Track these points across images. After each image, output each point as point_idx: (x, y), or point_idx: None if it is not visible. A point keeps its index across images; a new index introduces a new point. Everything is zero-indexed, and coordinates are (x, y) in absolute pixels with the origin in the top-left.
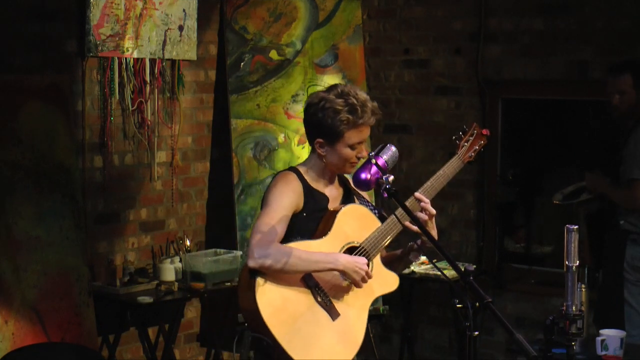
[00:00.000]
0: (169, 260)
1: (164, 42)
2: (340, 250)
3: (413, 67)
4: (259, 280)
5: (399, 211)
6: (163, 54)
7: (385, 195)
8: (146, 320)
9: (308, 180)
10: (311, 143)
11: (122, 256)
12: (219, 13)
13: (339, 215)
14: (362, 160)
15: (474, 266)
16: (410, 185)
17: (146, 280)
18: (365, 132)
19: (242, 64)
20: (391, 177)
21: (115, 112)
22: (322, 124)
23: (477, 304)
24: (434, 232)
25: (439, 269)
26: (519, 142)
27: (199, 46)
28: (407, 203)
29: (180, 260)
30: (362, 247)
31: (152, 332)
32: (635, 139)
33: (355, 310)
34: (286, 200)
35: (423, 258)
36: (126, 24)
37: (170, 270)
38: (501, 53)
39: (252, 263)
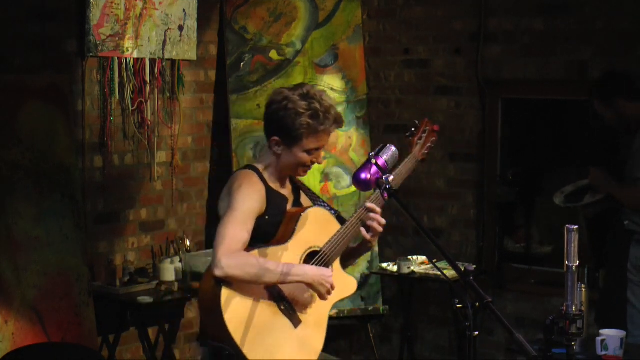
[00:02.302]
0: (169, 260)
1: (164, 42)
2: (302, 255)
3: (413, 67)
4: (224, 290)
5: (359, 212)
6: (163, 54)
7: (385, 195)
8: (146, 320)
9: (267, 181)
10: (267, 139)
11: (122, 256)
12: (219, 13)
13: (301, 219)
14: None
15: (474, 266)
16: (410, 185)
17: (146, 280)
18: (324, 140)
19: (242, 64)
20: (391, 177)
21: (115, 112)
22: (281, 124)
23: (477, 304)
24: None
25: (439, 269)
26: (519, 142)
27: (199, 46)
28: (357, 213)
29: (180, 260)
30: (323, 252)
31: (152, 332)
32: None
33: (315, 317)
34: (253, 203)
35: (423, 258)
36: (126, 24)
37: (170, 270)
38: (501, 53)
39: (218, 272)
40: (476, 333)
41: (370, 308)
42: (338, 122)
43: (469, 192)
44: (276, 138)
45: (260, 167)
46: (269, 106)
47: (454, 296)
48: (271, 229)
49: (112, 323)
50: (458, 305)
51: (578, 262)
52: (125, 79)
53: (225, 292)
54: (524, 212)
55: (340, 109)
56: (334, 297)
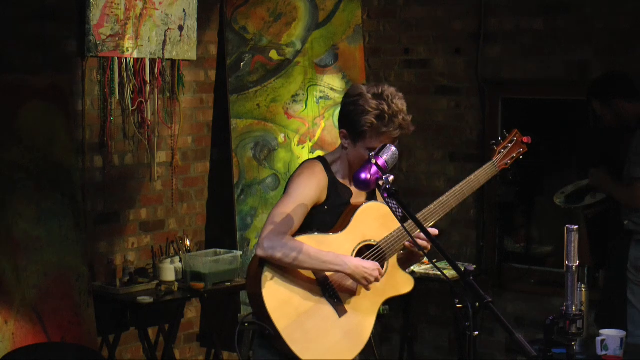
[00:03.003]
0: (169, 260)
1: (164, 42)
2: (355, 246)
3: (413, 67)
4: (266, 271)
5: (418, 215)
6: (163, 54)
7: (385, 195)
8: (146, 320)
9: (334, 172)
10: (339, 131)
11: (122, 256)
12: (219, 13)
13: (359, 212)
14: None
15: (474, 266)
16: (410, 185)
17: (146, 280)
18: (390, 139)
19: (242, 64)
20: (391, 177)
21: (115, 112)
22: (349, 118)
23: (477, 304)
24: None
25: (439, 269)
26: None
27: (199, 46)
28: (407, 224)
29: (180, 260)
30: (379, 247)
31: (152, 332)
32: (638, 139)
33: (363, 310)
34: (308, 191)
35: (423, 258)
36: (126, 24)
37: (170, 270)
38: (501, 53)
39: (260, 252)
40: (476, 333)
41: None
42: (404, 128)
43: None
44: (344, 131)
45: (329, 158)
46: (343, 99)
47: (454, 296)
48: (330, 219)
49: (112, 323)
50: (458, 305)
51: (578, 262)
52: (125, 79)
53: (267, 272)
54: (524, 212)
55: (339, 109)
56: (387, 293)
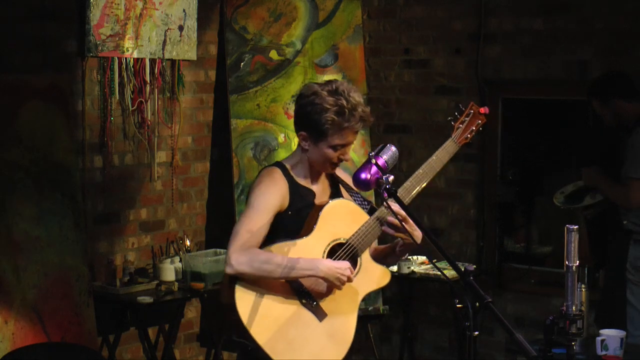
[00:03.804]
0: (169, 260)
1: (164, 42)
2: (326, 247)
3: (413, 67)
4: (239, 288)
5: (385, 205)
6: (163, 54)
7: (385, 195)
8: (146, 320)
9: (294, 176)
10: (297, 134)
11: (122, 256)
12: (219, 13)
13: (324, 212)
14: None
15: (474, 266)
16: None
17: (146, 280)
18: (350, 137)
19: (242, 64)
20: (391, 177)
21: (115, 112)
22: (308, 119)
23: (477, 304)
24: (417, 234)
25: (439, 269)
26: (519, 142)
27: (199, 46)
28: (377, 212)
29: (180, 260)
30: (349, 244)
31: (152, 332)
32: (634, 139)
33: (343, 310)
34: (270, 199)
35: (423, 258)
36: (126, 24)
37: (170, 270)
38: (501, 53)
39: (229, 270)
40: (476, 333)
41: (370, 308)
42: (365, 120)
43: (469, 192)
44: (303, 133)
45: (288, 163)
46: (298, 100)
47: (454, 296)
48: (296, 224)
49: (112, 323)
50: (458, 305)
51: (578, 262)
52: (125, 79)
53: (240, 288)
54: (524, 212)
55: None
56: (366, 288)
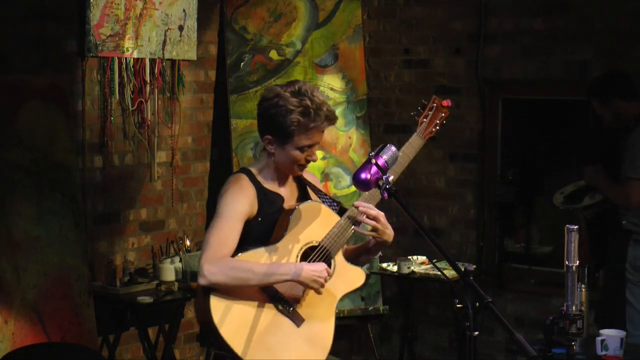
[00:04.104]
0: (169, 260)
1: (164, 42)
2: (298, 251)
3: (413, 67)
4: (214, 299)
5: (355, 206)
6: (163, 54)
7: (386, 195)
8: (146, 320)
9: (261, 181)
10: (261, 138)
11: (122, 256)
12: (219, 13)
13: (294, 215)
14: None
15: (474, 266)
16: (410, 185)
17: (146, 280)
18: (317, 137)
19: (242, 64)
20: (391, 177)
21: (115, 112)
22: (273, 121)
23: (477, 304)
24: (389, 232)
25: (439, 269)
26: (519, 142)
27: (199, 46)
28: (348, 212)
29: (180, 260)
30: (322, 246)
31: (152, 332)
32: (634, 138)
33: (320, 314)
34: (238, 207)
35: (423, 258)
36: (126, 24)
37: (170, 270)
38: (501, 53)
39: (203, 281)
40: (476, 333)
41: (370, 308)
42: (330, 119)
43: (469, 192)
44: (269, 136)
45: (254, 168)
46: (260, 104)
47: (454, 296)
48: (266, 230)
49: (112, 323)
50: (458, 305)
51: (578, 262)
52: (125, 79)
53: (214, 299)
54: (524, 212)
55: (340, 109)
56: (341, 290)
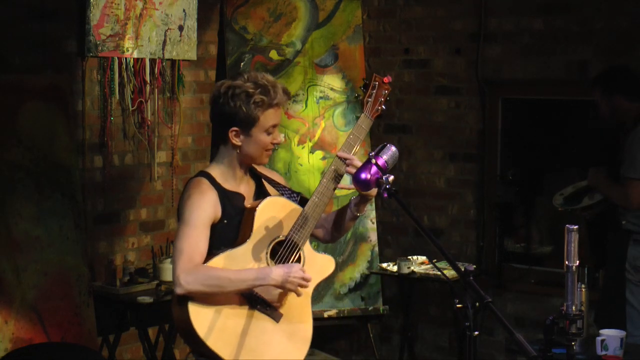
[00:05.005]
0: (169, 260)
1: (164, 42)
2: (267, 248)
3: (413, 67)
4: (191, 307)
5: (329, 171)
6: (163, 54)
7: (386, 195)
8: (146, 320)
9: (221, 183)
10: (224, 136)
11: (122, 256)
12: (219, 13)
13: (257, 213)
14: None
15: (474, 266)
16: (410, 185)
17: (146, 280)
18: (279, 114)
19: (242, 64)
20: (391, 177)
21: (115, 112)
22: (235, 112)
23: (477, 304)
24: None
25: (439, 269)
26: (519, 142)
27: (199, 46)
28: (332, 165)
29: None
30: (289, 239)
31: (152, 332)
32: (633, 139)
33: (297, 307)
34: (202, 212)
35: (423, 258)
36: (126, 24)
37: (170, 270)
38: (501, 53)
39: (179, 290)
40: (476, 333)
41: (370, 308)
42: (287, 93)
43: (469, 192)
44: (235, 129)
45: (213, 170)
46: (215, 102)
47: (454, 296)
48: (233, 232)
49: (112, 323)
50: (458, 305)
51: (578, 262)
52: (125, 79)
53: (192, 307)
54: (524, 212)
55: (340, 109)
56: (315, 280)
